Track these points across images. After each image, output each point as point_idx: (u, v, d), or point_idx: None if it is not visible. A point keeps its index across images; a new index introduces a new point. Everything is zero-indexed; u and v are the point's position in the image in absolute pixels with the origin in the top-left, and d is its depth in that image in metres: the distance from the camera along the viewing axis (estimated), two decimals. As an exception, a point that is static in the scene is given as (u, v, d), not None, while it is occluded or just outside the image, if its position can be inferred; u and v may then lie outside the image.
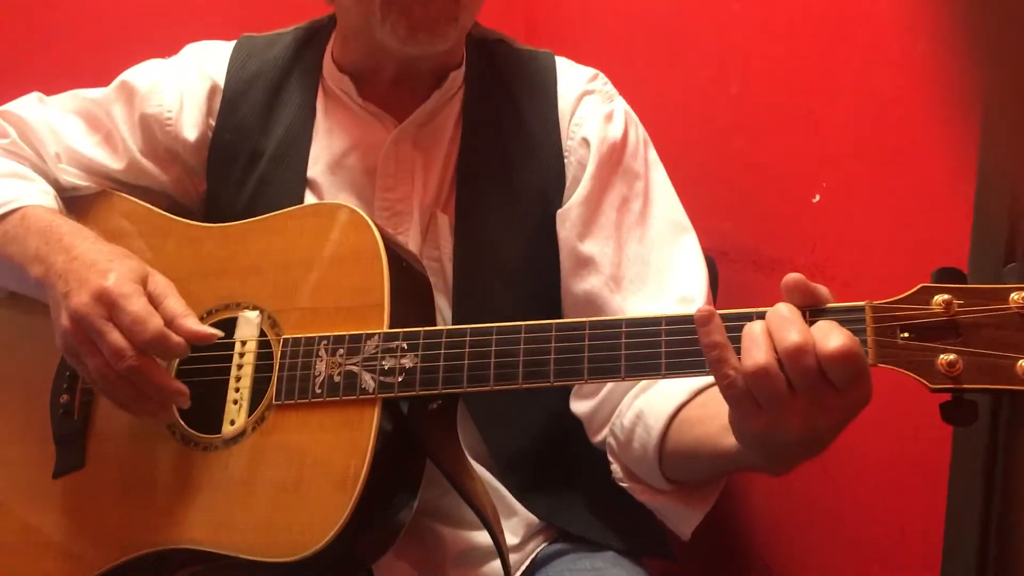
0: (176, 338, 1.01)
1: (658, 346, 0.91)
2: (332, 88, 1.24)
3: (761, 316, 0.85)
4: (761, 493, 1.46)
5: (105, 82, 1.29)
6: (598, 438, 1.17)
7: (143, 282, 1.04)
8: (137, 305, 1.01)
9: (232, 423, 1.07)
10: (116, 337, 1.00)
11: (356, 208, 1.10)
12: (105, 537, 1.09)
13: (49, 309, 1.12)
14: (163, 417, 1.07)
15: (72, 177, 1.24)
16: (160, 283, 1.06)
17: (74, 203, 1.25)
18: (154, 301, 1.04)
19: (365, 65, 1.22)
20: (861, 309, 0.85)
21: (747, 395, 0.82)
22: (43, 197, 1.19)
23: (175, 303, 1.04)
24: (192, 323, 1.03)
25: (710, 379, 1.05)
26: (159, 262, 1.18)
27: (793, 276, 0.86)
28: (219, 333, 1.04)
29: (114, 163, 1.25)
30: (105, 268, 1.04)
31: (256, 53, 1.26)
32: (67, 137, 1.24)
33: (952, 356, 0.80)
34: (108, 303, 1.01)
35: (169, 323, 1.02)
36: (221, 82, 1.24)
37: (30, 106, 1.27)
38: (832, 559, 1.36)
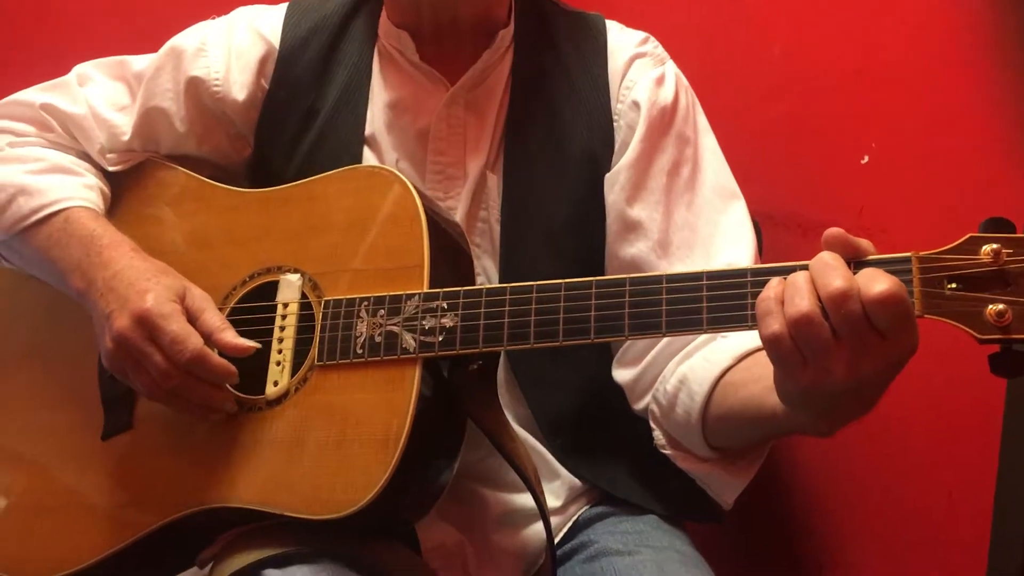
0: (216, 358, 1.05)
1: (699, 301, 0.90)
2: (386, 48, 1.24)
3: (805, 268, 0.83)
4: (806, 459, 1.45)
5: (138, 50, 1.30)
6: (640, 405, 1.17)
7: (181, 298, 1.07)
8: (176, 325, 1.04)
9: (275, 384, 1.08)
10: (159, 360, 1.04)
11: (395, 170, 1.10)
12: (152, 497, 1.11)
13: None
14: (217, 418, 1.09)
15: (116, 165, 1.25)
16: (197, 298, 1.08)
17: (117, 173, 1.26)
18: (191, 317, 1.06)
19: (411, 19, 1.21)
20: (907, 260, 0.83)
21: (792, 349, 0.81)
22: (88, 193, 1.20)
23: (212, 316, 1.07)
24: (229, 336, 1.06)
25: (753, 344, 1.05)
26: (200, 229, 1.20)
27: (834, 230, 0.85)
28: (256, 345, 1.07)
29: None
30: (143, 288, 1.06)
31: (311, 10, 1.26)
32: (110, 120, 1.25)
33: (1001, 306, 0.79)
34: (149, 325, 1.04)
35: (207, 338, 1.05)
36: (276, 41, 1.24)
37: (72, 93, 1.26)
38: (879, 525, 1.35)
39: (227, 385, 1.08)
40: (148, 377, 1.05)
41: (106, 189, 1.24)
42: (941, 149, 1.30)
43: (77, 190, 1.19)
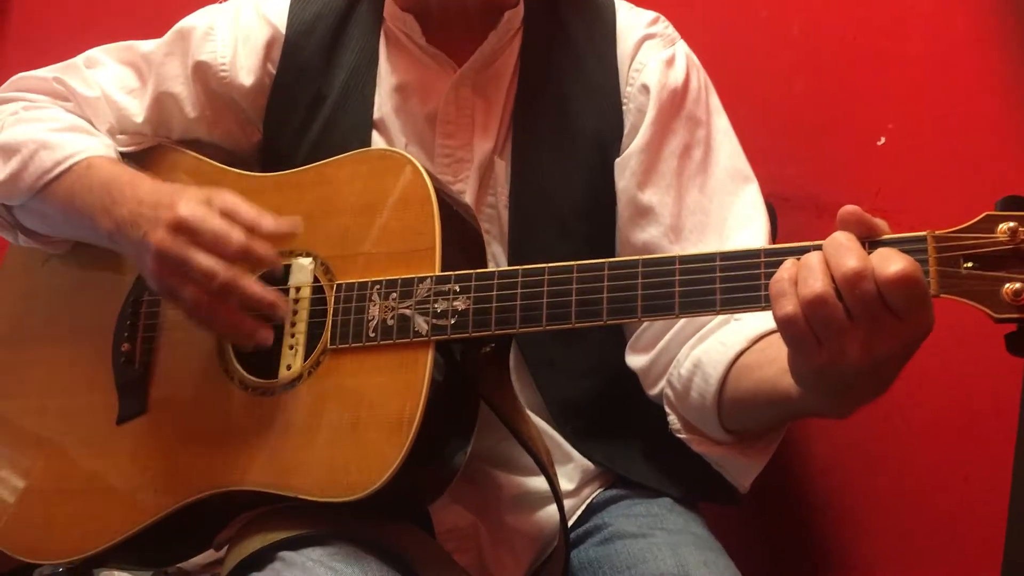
0: (263, 245, 1.02)
1: (712, 282, 0.90)
2: (393, 31, 1.23)
3: (819, 248, 0.83)
4: (822, 441, 1.44)
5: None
6: (655, 391, 1.16)
7: (209, 203, 1.05)
8: (214, 222, 1.02)
9: (288, 368, 1.08)
10: (203, 258, 1.01)
11: (405, 153, 1.10)
12: (168, 480, 1.11)
13: (113, 259, 1.16)
14: (263, 337, 1.05)
15: (127, 146, 1.25)
16: (227, 197, 1.06)
17: (127, 158, 1.26)
18: (227, 215, 1.04)
19: (417, 1, 1.21)
20: (923, 239, 0.82)
21: (806, 330, 0.81)
22: (106, 150, 1.20)
23: (248, 210, 1.05)
24: (269, 222, 1.04)
25: (768, 327, 1.04)
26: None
27: (849, 207, 0.84)
28: (298, 219, 1.05)
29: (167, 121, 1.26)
30: (171, 201, 1.05)
31: None
32: (120, 102, 1.25)
33: (1018, 285, 0.78)
34: (186, 230, 1.02)
35: (249, 231, 1.03)
36: (282, 26, 1.23)
37: (83, 75, 1.26)
38: (894, 508, 1.34)
39: (239, 367, 1.07)
40: (194, 286, 1.02)
41: (118, 154, 1.23)
42: (958, 129, 1.29)
43: (96, 144, 1.19)
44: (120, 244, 1.11)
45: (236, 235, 1.02)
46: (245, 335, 1.05)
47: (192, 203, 1.04)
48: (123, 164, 1.18)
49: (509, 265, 1.15)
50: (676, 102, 1.18)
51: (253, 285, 1.03)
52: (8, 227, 1.24)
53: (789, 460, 1.45)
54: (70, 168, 1.15)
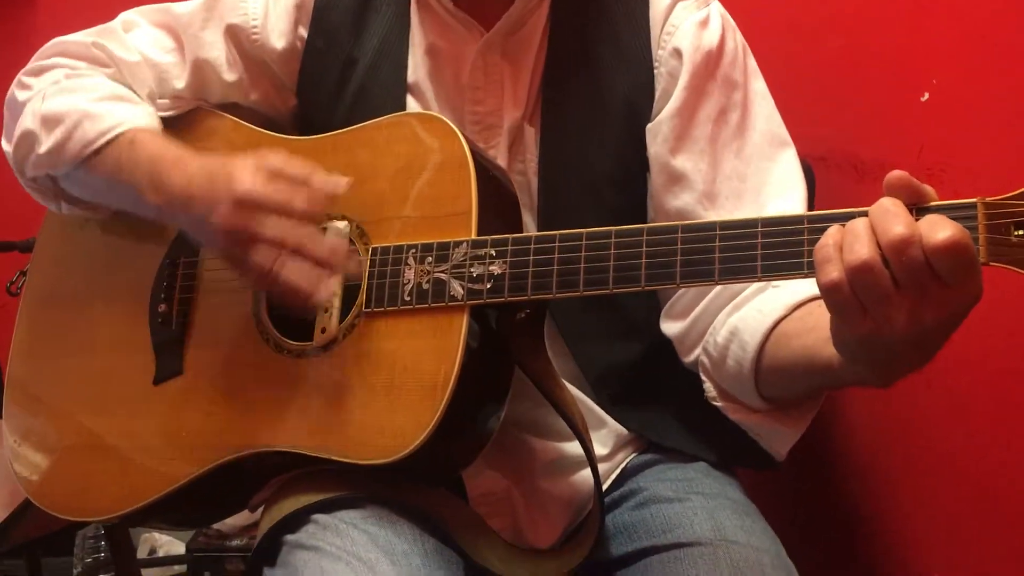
0: (319, 201, 1.03)
1: (754, 248, 0.88)
2: None
3: (864, 215, 0.81)
4: (860, 406, 1.43)
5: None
6: (690, 358, 1.15)
7: (259, 169, 1.04)
8: (276, 190, 1.02)
9: (323, 331, 1.07)
10: (273, 222, 1.01)
11: (441, 117, 1.08)
12: (203, 440, 1.12)
13: (150, 222, 1.16)
14: (332, 291, 1.04)
15: (167, 111, 1.24)
16: (274, 159, 1.05)
17: (168, 123, 1.25)
18: (279, 176, 1.04)
19: None
20: (973, 206, 0.80)
21: (851, 297, 0.79)
22: (149, 118, 1.19)
23: (300, 167, 1.04)
24: (320, 178, 1.04)
25: (806, 294, 1.03)
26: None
27: (897, 173, 0.82)
28: (346, 179, 1.05)
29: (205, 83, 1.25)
30: (225, 177, 1.04)
31: None
32: (160, 66, 1.24)
33: (1069, 254, 0.76)
34: (249, 204, 1.02)
35: (305, 189, 1.03)
36: None
37: (121, 39, 1.25)
38: (933, 473, 1.33)
39: (274, 330, 1.07)
40: (264, 248, 1.01)
41: (160, 122, 1.23)
42: (1005, 85, 1.26)
43: (140, 114, 1.19)
44: (170, 217, 1.11)
45: (299, 198, 1.02)
46: (312, 288, 1.02)
47: (244, 173, 1.03)
48: (167, 138, 1.17)
49: (539, 232, 1.14)
50: (711, 65, 1.15)
51: (321, 238, 1.03)
52: (52, 196, 1.24)
53: (827, 425, 1.44)
54: (114, 139, 1.15)
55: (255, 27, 1.22)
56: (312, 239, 1.02)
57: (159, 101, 1.24)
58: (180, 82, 1.23)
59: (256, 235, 1.01)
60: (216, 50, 1.22)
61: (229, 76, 1.23)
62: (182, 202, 1.07)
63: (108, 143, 1.15)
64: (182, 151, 1.13)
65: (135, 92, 1.24)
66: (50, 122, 1.17)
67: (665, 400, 1.19)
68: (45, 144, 1.17)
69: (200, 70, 1.23)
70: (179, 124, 1.25)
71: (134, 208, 1.16)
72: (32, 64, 1.26)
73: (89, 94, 1.19)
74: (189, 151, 1.13)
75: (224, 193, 1.03)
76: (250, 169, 1.04)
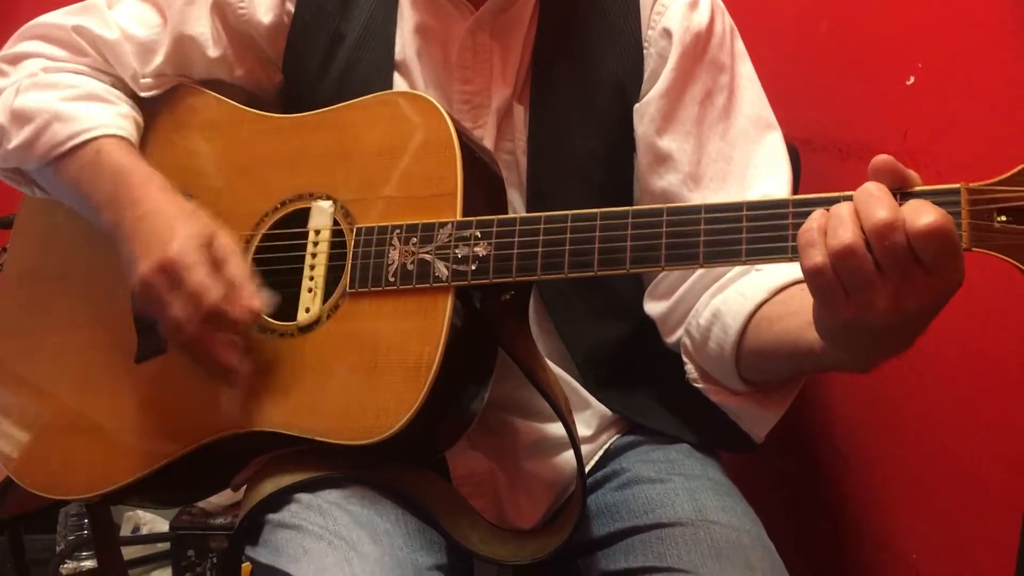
0: (234, 312, 1.02)
1: (739, 232, 0.88)
2: None
3: (849, 199, 0.81)
4: (841, 387, 1.44)
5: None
6: (672, 339, 1.16)
7: (208, 244, 1.05)
8: (197, 276, 1.02)
9: (307, 311, 1.07)
10: (178, 309, 1.02)
11: (427, 96, 1.08)
12: (186, 419, 1.12)
13: None
14: (233, 381, 1.07)
15: (151, 90, 1.23)
16: (223, 246, 1.06)
17: (147, 101, 1.24)
18: (217, 265, 1.04)
19: None
20: (956, 191, 0.81)
21: (834, 281, 0.79)
22: (122, 122, 1.18)
23: (235, 268, 1.04)
24: (245, 296, 1.03)
25: (789, 278, 1.03)
26: (232, 154, 1.19)
27: (882, 157, 0.82)
28: (268, 306, 1.05)
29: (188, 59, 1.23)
30: (169, 236, 1.05)
31: None
32: (141, 42, 1.22)
33: (1052, 240, 0.76)
34: (170, 274, 1.03)
35: (229, 290, 1.03)
36: None
37: (103, 17, 1.23)
38: (913, 454, 1.34)
39: (261, 314, 1.07)
40: (168, 321, 1.04)
41: (139, 119, 1.22)
42: (991, 69, 1.25)
43: (112, 118, 1.17)
44: (115, 242, 1.11)
45: (211, 298, 1.01)
46: (210, 373, 1.07)
47: (187, 247, 1.03)
48: (134, 153, 1.16)
49: (526, 211, 1.14)
50: (699, 46, 1.15)
51: (215, 347, 1.04)
52: (25, 183, 1.23)
53: (808, 407, 1.44)
54: (81, 145, 1.14)
55: (241, 2, 1.20)
56: (204, 339, 1.03)
57: (142, 80, 1.22)
58: (162, 58, 1.22)
59: (164, 304, 1.03)
60: (201, 25, 1.21)
61: (214, 52, 1.21)
62: (126, 233, 1.08)
63: (76, 147, 1.14)
64: (149, 173, 1.13)
65: (118, 78, 1.22)
66: (21, 119, 1.16)
67: (649, 381, 1.20)
68: (15, 140, 1.16)
69: (184, 45, 1.22)
70: (161, 102, 1.24)
71: (90, 218, 1.16)
72: (10, 49, 1.24)
73: (64, 92, 1.18)
74: (157, 176, 1.12)
75: (157, 248, 1.04)
76: (192, 241, 1.04)
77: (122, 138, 1.16)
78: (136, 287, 1.06)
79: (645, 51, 1.16)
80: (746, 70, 1.19)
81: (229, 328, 1.04)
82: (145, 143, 1.22)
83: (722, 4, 1.20)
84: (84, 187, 1.14)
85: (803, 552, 1.32)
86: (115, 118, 1.18)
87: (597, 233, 0.95)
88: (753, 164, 1.14)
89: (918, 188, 0.82)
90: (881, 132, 1.37)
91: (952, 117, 1.28)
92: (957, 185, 0.81)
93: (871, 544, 1.41)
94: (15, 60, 1.23)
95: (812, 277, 0.81)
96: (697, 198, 1.13)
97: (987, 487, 1.23)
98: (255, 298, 1.04)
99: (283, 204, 1.13)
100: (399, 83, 1.17)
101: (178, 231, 1.05)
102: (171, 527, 1.97)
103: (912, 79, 1.32)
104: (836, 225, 0.79)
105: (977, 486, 1.24)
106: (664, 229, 0.92)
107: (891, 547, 1.38)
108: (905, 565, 1.36)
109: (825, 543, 1.48)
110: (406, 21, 1.19)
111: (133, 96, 1.24)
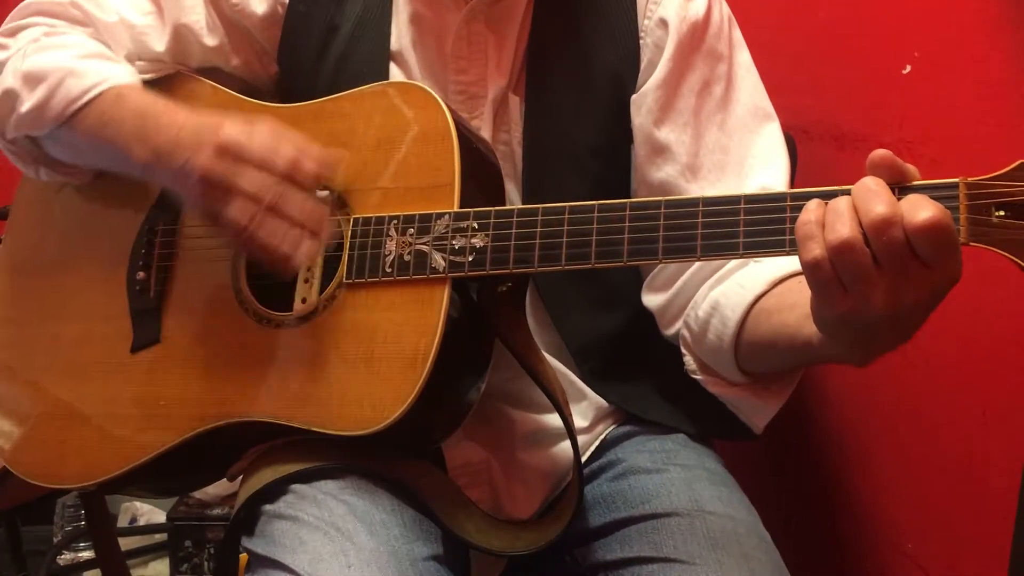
0: (310, 163, 1.00)
1: (736, 225, 0.88)
2: None
3: (847, 192, 0.81)
4: (837, 377, 1.44)
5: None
6: (671, 331, 1.16)
7: (250, 123, 1.03)
8: (261, 139, 1.00)
9: (304, 301, 1.07)
10: (253, 174, 0.99)
11: (425, 87, 1.07)
12: (181, 409, 1.11)
13: (129, 187, 1.14)
14: (312, 253, 1.02)
15: (147, 73, 1.22)
16: (271, 122, 1.04)
17: (148, 85, 1.23)
18: (273, 135, 1.02)
19: None
20: (954, 186, 0.80)
21: (832, 275, 0.79)
22: (132, 77, 1.17)
23: (293, 133, 1.03)
24: (315, 147, 1.01)
25: (788, 270, 1.03)
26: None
27: (880, 152, 0.82)
28: (343, 153, 1.03)
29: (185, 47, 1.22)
30: (214, 125, 1.02)
31: None
32: (138, 28, 1.21)
33: (1050, 235, 0.76)
34: (233, 151, 1.00)
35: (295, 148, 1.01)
36: None
37: (97, 1, 1.22)
38: (910, 443, 1.35)
39: (253, 299, 1.07)
40: (241, 201, 0.99)
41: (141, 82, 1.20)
42: (989, 58, 1.25)
43: (122, 72, 1.16)
44: (156, 173, 1.09)
45: (285, 148, 1.00)
46: (298, 251, 1.00)
47: (236, 125, 1.02)
48: (153, 93, 1.15)
49: (522, 203, 1.13)
50: (696, 36, 1.15)
51: (302, 197, 1.00)
52: (31, 160, 1.21)
53: (805, 398, 1.45)
54: (99, 95, 1.12)
55: None
56: (290, 199, 1.00)
57: (137, 63, 1.21)
58: (160, 45, 1.21)
59: (233, 186, 0.99)
60: (195, 14, 1.20)
61: (209, 41, 1.21)
62: (168, 151, 1.04)
63: (93, 99, 1.12)
64: (170, 104, 1.11)
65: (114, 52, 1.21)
66: (32, 80, 1.14)
67: (645, 373, 1.20)
68: (27, 102, 1.13)
69: (180, 34, 1.21)
70: (157, 88, 1.23)
71: (118, 165, 1.13)
72: (7, 25, 1.22)
73: (71, 51, 1.16)
74: (180, 106, 1.10)
75: (208, 137, 1.01)
76: (241, 121, 1.02)
77: (136, 85, 1.15)
78: (196, 189, 1.02)
79: (641, 41, 1.15)
80: (744, 59, 1.18)
81: (309, 185, 1.01)
82: None
83: None
84: (109, 131, 1.11)
85: (799, 542, 1.33)
86: (126, 73, 1.16)
87: (595, 225, 0.95)
88: (751, 155, 1.14)
89: (916, 183, 0.81)
90: (877, 121, 1.36)
91: (948, 106, 1.28)
92: (955, 180, 0.80)
93: (867, 534, 1.41)
94: (14, 32, 1.21)
95: (810, 271, 0.81)
96: (695, 189, 1.13)
97: (983, 477, 1.24)
98: (327, 152, 1.02)
99: None
100: (395, 74, 1.17)
101: (220, 120, 1.03)
102: (168, 518, 1.98)
103: (908, 68, 1.32)
104: (834, 219, 0.79)
105: (973, 476, 1.25)
106: (662, 222, 0.92)
107: (887, 537, 1.39)
108: (900, 554, 1.37)
109: (821, 533, 1.49)
110: (401, 11, 1.18)
111: None
